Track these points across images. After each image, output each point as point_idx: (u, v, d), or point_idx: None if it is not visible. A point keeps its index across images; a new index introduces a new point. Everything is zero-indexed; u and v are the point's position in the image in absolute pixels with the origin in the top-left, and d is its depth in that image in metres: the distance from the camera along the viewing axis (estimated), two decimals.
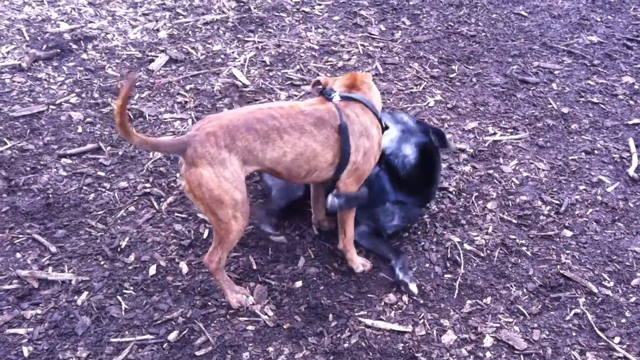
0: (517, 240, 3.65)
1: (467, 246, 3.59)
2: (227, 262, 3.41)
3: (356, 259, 3.42)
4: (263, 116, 2.94)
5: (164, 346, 2.97)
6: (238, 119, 2.91)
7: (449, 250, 3.57)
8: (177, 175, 3.16)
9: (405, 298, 3.26)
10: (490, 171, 4.17)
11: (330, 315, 3.15)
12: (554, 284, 3.38)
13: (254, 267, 3.41)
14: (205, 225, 3.64)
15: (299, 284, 3.32)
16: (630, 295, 3.35)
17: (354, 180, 3.17)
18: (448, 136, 3.81)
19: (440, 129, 3.86)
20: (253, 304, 3.19)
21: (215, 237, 3.02)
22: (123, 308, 3.15)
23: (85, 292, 3.22)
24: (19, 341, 2.97)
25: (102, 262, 3.40)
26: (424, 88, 5.04)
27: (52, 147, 4.18)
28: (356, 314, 3.17)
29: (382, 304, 3.24)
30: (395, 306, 3.23)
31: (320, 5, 6.26)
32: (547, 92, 5.08)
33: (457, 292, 3.33)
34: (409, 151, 3.53)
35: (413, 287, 3.28)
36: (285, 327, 3.09)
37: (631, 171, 4.22)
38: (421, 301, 3.26)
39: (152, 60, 5.16)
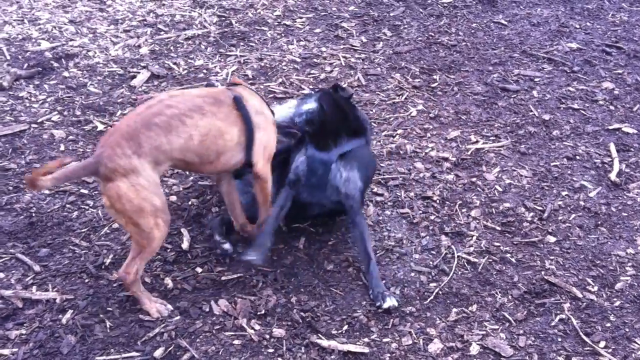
0: (502, 247, 3.67)
1: (452, 254, 3.61)
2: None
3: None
4: (159, 108, 2.96)
5: None
6: (135, 120, 2.92)
7: (434, 258, 3.58)
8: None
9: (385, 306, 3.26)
10: (474, 179, 4.20)
11: (317, 327, 3.15)
12: (538, 290, 3.40)
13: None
14: (192, 240, 3.64)
15: (282, 296, 3.31)
16: (615, 299, 3.37)
17: (266, 161, 3.26)
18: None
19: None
20: (172, 311, 3.19)
21: (134, 248, 3.04)
22: (108, 326, 3.13)
23: (70, 311, 3.20)
24: None
25: (86, 280, 3.38)
26: (406, 98, 5.07)
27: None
28: (341, 326, 3.17)
29: (368, 313, 3.24)
30: (380, 316, 3.23)
31: (301, 18, 6.30)
32: (528, 100, 5.12)
33: (442, 300, 3.34)
34: (312, 105, 3.59)
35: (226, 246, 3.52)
36: (271, 340, 3.08)
37: (613, 176, 4.25)
38: (407, 310, 3.27)
39: (134, 77, 5.16)
